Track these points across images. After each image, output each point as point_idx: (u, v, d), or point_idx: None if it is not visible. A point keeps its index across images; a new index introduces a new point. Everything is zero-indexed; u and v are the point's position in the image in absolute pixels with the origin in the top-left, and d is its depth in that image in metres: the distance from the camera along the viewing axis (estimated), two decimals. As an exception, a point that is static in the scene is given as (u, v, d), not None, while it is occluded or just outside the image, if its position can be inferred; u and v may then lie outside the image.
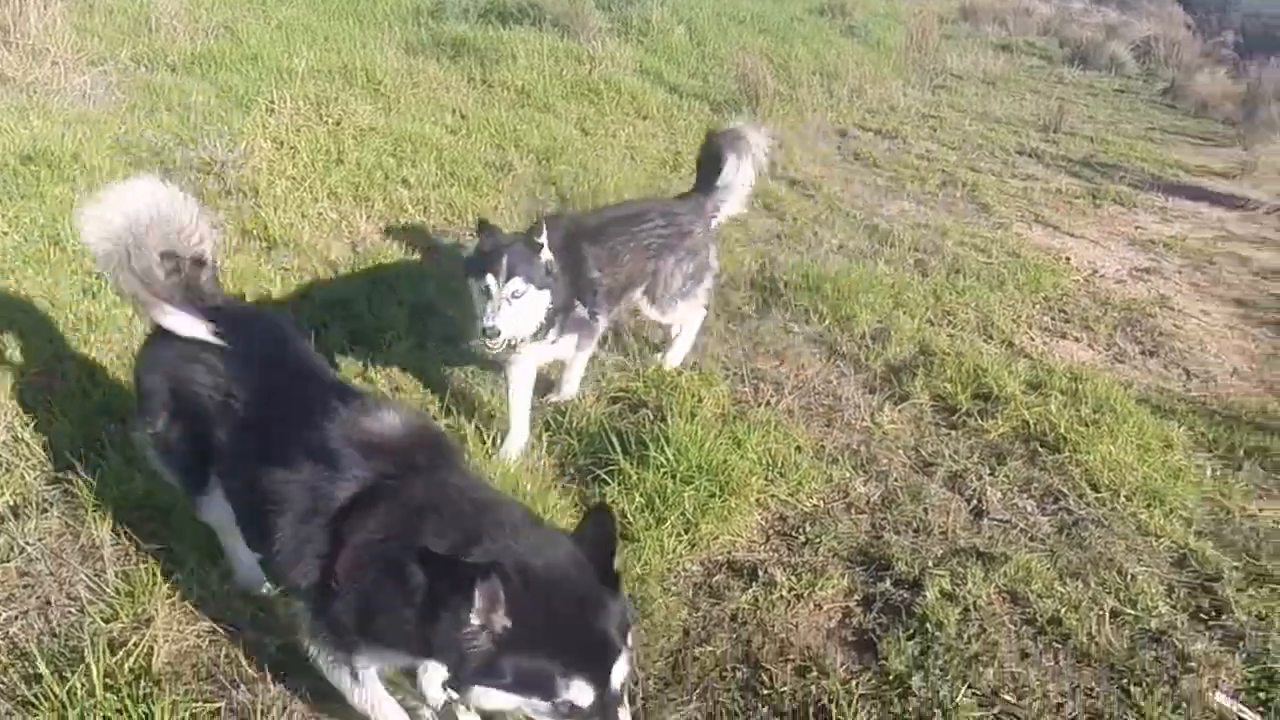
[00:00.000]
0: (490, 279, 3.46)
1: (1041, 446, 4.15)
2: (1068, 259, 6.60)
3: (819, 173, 7.95)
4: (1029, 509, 3.82)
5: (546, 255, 3.57)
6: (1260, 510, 4.01)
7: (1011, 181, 8.54)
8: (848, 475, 3.84)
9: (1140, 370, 5.18)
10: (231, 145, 6.04)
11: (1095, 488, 3.94)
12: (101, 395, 3.72)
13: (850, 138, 9.43)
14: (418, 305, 4.70)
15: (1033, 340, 5.24)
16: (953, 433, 4.21)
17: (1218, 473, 4.25)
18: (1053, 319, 5.59)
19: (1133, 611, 3.28)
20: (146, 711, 2.49)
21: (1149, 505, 3.89)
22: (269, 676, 2.69)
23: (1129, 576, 3.44)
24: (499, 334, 3.46)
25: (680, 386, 4.22)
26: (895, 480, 3.85)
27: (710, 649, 3.01)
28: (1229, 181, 9.85)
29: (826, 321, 4.99)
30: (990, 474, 3.95)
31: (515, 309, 3.50)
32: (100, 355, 3.98)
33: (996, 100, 12.39)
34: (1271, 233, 8.30)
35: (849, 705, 2.78)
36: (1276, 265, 7.35)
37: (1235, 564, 3.57)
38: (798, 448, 3.89)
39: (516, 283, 3.48)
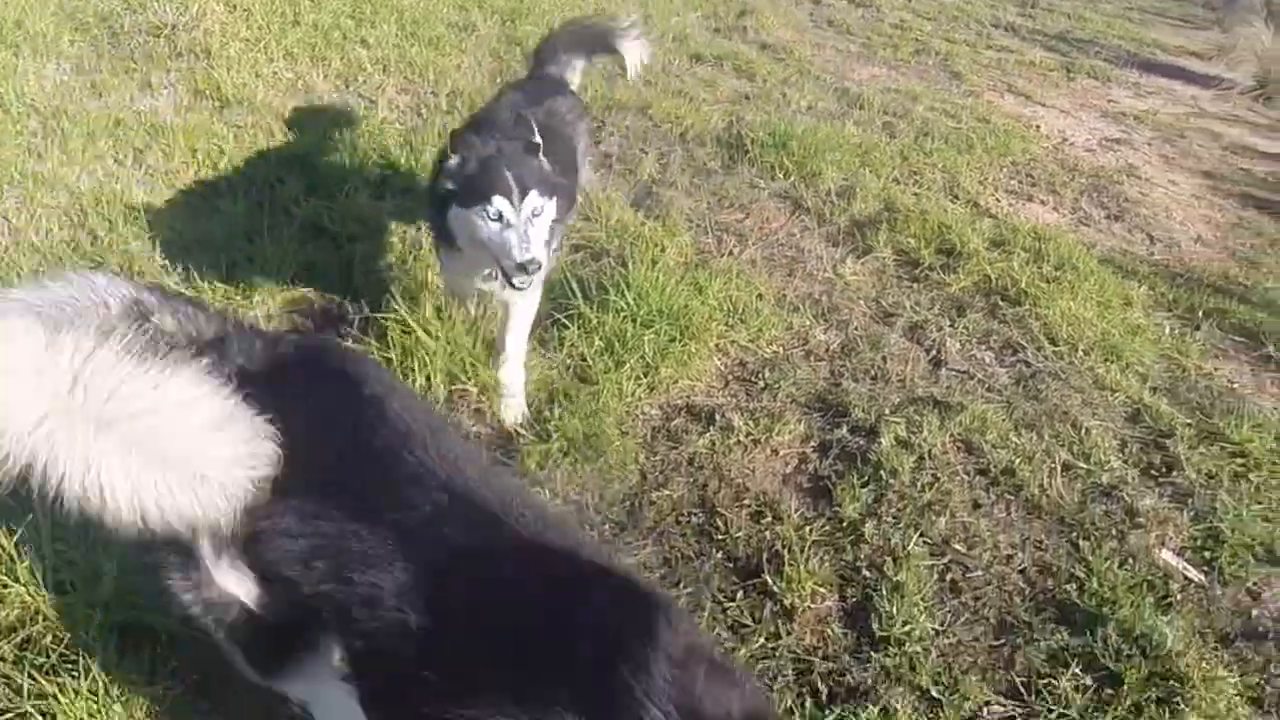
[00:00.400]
0: (502, 202, 2.84)
1: (1002, 300, 4.14)
2: (1038, 127, 6.51)
3: (791, 38, 7.74)
4: (987, 360, 3.84)
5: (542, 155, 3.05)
6: (1215, 370, 4.06)
7: (986, 52, 8.35)
8: (808, 323, 3.82)
9: (1104, 233, 5.16)
10: (182, 9, 5.80)
11: (1054, 341, 3.95)
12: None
13: (824, 5, 9.16)
14: (378, 159, 4.57)
15: (998, 202, 5.19)
16: (914, 285, 4.19)
17: (1176, 332, 4.28)
18: (1019, 182, 5.53)
19: (1085, 465, 3.32)
20: None
21: (1106, 360, 3.91)
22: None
23: (1083, 430, 3.48)
24: (539, 264, 2.85)
25: (644, 236, 4.15)
26: (855, 329, 3.84)
27: (666, 493, 3.01)
28: (1205, 62, 9.69)
29: (792, 178, 4.91)
30: (950, 325, 3.94)
31: (539, 228, 2.90)
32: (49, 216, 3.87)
33: (975, -29, 12.04)
34: (1244, 112, 8.22)
35: (801, 551, 2.80)
36: (1246, 142, 7.30)
37: (1188, 421, 3.61)
38: (759, 295, 3.86)
39: (534, 198, 2.88)
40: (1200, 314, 4.44)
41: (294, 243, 3.83)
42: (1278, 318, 4.53)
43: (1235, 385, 3.98)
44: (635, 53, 4.04)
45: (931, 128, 5.98)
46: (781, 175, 4.94)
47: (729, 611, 2.62)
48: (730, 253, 4.17)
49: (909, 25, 8.84)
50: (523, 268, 2.80)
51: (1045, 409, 3.57)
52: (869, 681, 2.47)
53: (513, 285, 2.90)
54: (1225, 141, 7.18)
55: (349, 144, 4.68)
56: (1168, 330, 4.27)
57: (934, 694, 2.44)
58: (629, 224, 4.27)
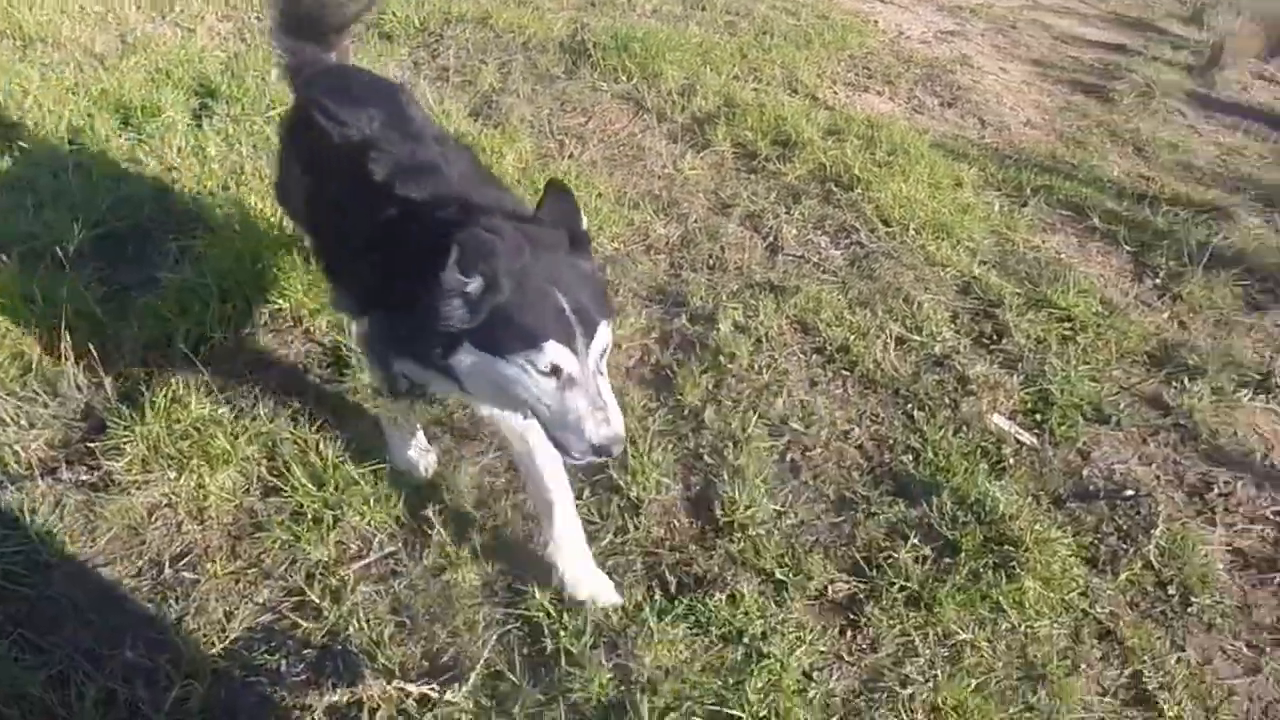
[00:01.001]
0: (560, 351, 1.84)
1: (836, 186, 4.25)
2: (876, 22, 6.64)
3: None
4: (823, 244, 3.95)
5: None
6: (1043, 242, 4.27)
7: (831, -49, 8.43)
8: (649, 218, 3.86)
9: (937, 120, 5.33)
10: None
11: (886, 223, 4.09)
12: None
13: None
14: (199, 89, 4.36)
15: (836, 94, 5.29)
16: (752, 177, 4.27)
17: (1005, 209, 4.47)
18: (856, 75, 5.65)
19: (918, 338, 3.45)
20: None
21: (937, 238, 4.06)
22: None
23: (916, 304, 3.62)
24: (624, 442, 1.97)
25: (481, 144, 4.10)
26: (694, 222, 3.89)
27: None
28: (1040, -45, 9.99)
29: (634, 79, 4.90)
30: (786, 213, 4.04)
31: (606, 375, 1.95)
32: None
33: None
34: (1075, 3, 8.52)
35: (645, 441, 2.81)
36: (1076, 32, 7.59)
37: (1017, 291, 3.79)
38: (599, 194, 3.87)
39: (603, 332, 1.91)
40: (1028, 191, 4.64)
41: (106, 178, 3.63)
42: (1102, 192, 4.80)
43: (1061, 256, 4.21)
44: None
45: (772, 25, 6.03)
46: (624, 78, 4.92)
47: (578, 510, 2.63)
48: (571, 155, 4.16)
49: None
50: (601, 450, 1.88)
51: (879, 287, 3.71)
52: (715, 569, 2.49)
53: (571, 458, 1.97)
54: (1056, 31, 7.45)
55: (165, 74, 4.43)
56: (997, 208, 4.46)
57: (779, 576, 2.47)
58: (467, 133, 4.20)
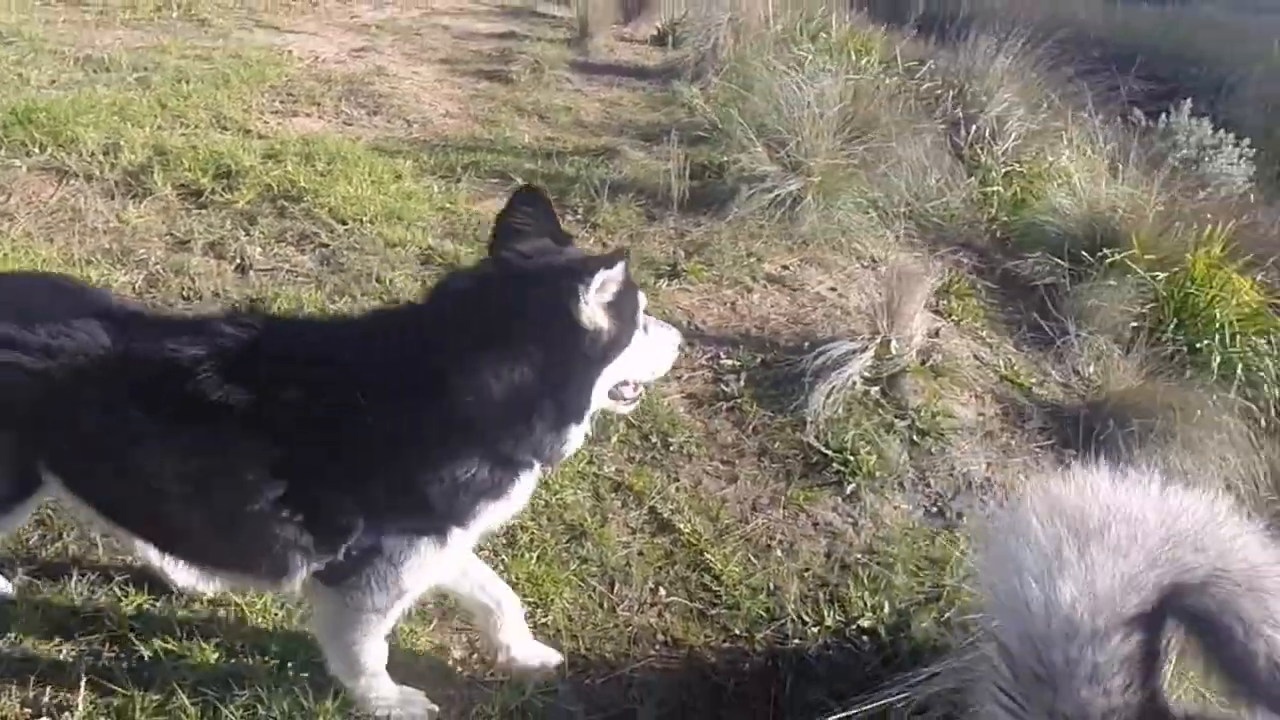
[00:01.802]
0: (643, 299, 2.03)
1: (287, 201, 4.60)
2: (290, 52, 7.01)
3: (14, 20, 7.23)
4: (289, 253, 4.29)
5: None
6: (481, 208, 4.95)
7: (228, -3, 8.61)
8: (105, 270, 3.93)
9: (367, 128, 5.86)
10: None
11: (342, 221, 4.52)
12: None
13: (44, -22, 8.60)
14: None
15: (266, 123, 5.60)
16: (203, 211, 4.47)
17: (443, 188, 5.11)
18: (282, 103, 5.99)
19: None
20: None
21: (391, 224, 4.57)
22: None
23: (388, 281, 4.11)
24: None
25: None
26: (155, 264, 4.03)
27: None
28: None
29: (49, 150, 4.81)
30: (246, 235, 4.31)
31: None
32: None
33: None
34: (465, 3, 9.56)
35: None
36: (473, 29, 8.57)
37: (469, 250, 4.41)
38: (44, 261, 3.87)
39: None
40: (459, 170, 5.33)
41: None
42: (519, 157, 5.64)
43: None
44: None
45: (187, 73, 6.15)
46: (37, 149, 4.81)
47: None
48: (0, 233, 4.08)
49: (144, -16, 8.70)
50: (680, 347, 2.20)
51: (351, 276, 4.14)
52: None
53: (633, 404, 2.18)
54: (455, 31, 8.36)
55: None
56: (436, 189, 5.09)
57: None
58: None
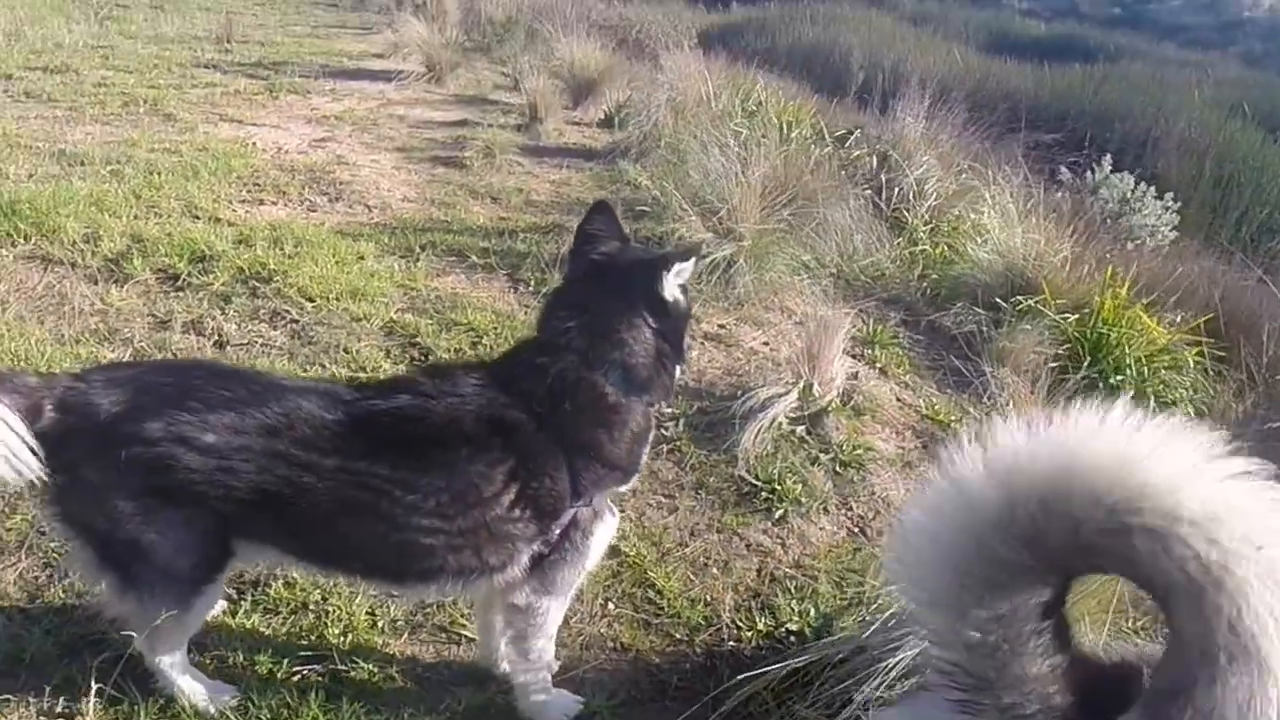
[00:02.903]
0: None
1: (258, 281, 4.95)
2: (254, 144, 7.43)
3: (-13, 118, 7.61)
4: (262, 329, 4.62)
5: None
6: (440, 284, 5.34)
7: (193, 91, 9.04)
8: (93, 349, 4.24)
9: (330, 214, 6.25)
10: None
11: (310, 299, 4.87)
12: None
13: (16, 79, 9.00)
14: None
15: (235, 211, 5.98)
16: (182, 293, 4.80)
17: (403, 267, 5.49)
18: (249, 192, 6.38)
19: (364, 374, 4.28)
20: None
21: (355, 301, 4.94)
22: None
23: (354, 352, 4.45)
24: None
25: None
26: (140, 341, 4.34)
27: None
28: (385, 60, 11.53)
29: (33, 240, 5.15)
30: (222, 313, 4.66)
31: None
32: None
33: (167, 22, 12.66)
34: (420, 94, 10.08)
35: None
36: (427, 117, 9.06)
37: (430, 321, 4.79)
38: (36, 340, 4.17)
39: None
40: (418, 249, 5.73)
41: None
42: (474, 237, 6.04)
43: (457, 290, 5.31)
44: None
45: (158, 166, 6.53)
46: (22, 240, 5.14)
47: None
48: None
49: (111, 82, 9.13)
50: None
51: (320, 348, 4.48)
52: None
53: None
54: (411, 120, 8.85)
55: None
56: (397, 268, 5.47)
57: None
58: None
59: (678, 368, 2.43)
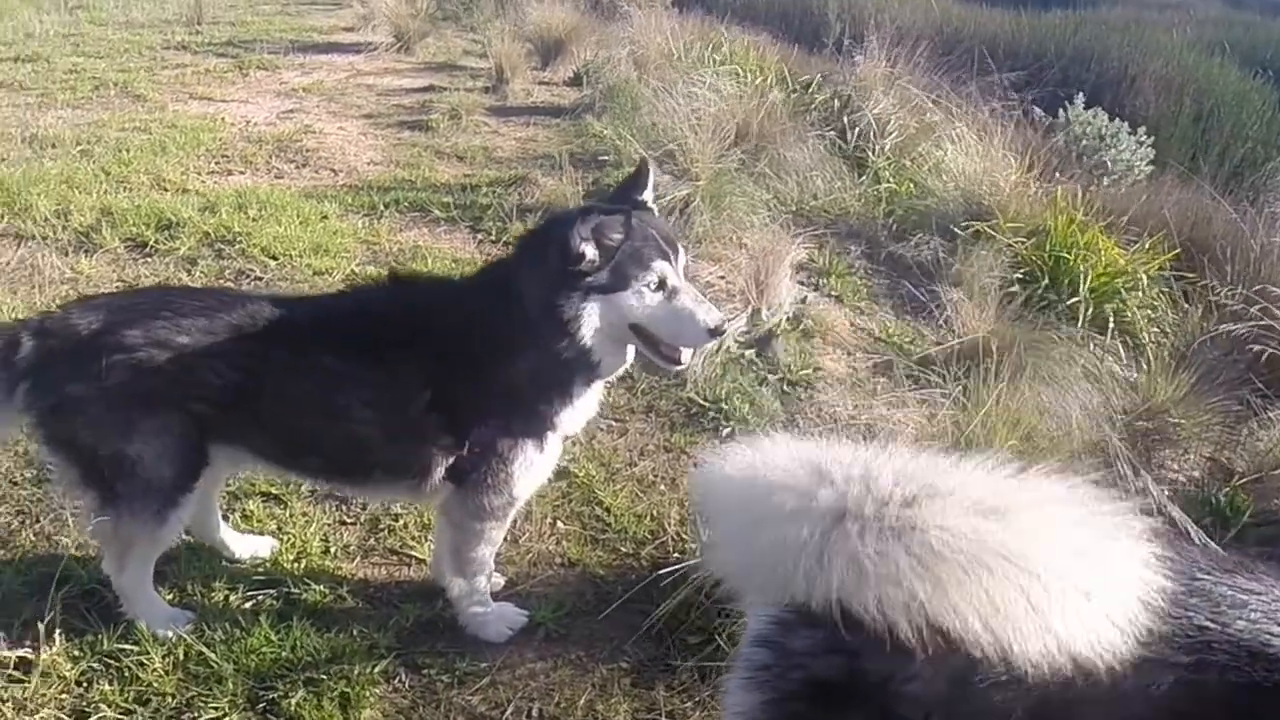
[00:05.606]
0: (665, 266, 2.35)
1: (223, 244, 5.08)
2: (223, 119, 7.52)
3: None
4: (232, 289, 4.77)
5: None
6: (403, 238, 5.46)
7: (163, 73, 9.10)
8: (63, 316, 4.37)
9: (298, 180, 6.36)
10: None
11: (273, 257, 5.00)
12: None
13: (-16, 71, 9.08)
14: None
15: (203, 182, 6.09)
16: (150, 259, 4.93)
17: (366, 224, 5.61)
18: (217, 163, 6.49)
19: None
20: None
21: (318, 256, 5.06)
22: None
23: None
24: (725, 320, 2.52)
25: None
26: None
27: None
28: (354, 34, 11.54)
29: (5, 219, 5.28)
30: (189, 275, 4.77)
31: None
32: None
33: (137, 8, 12.64)
34: (391, 64, 10.14)
35: None
36: (392, 86, 9.12)
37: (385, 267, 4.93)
38: (11, 309, 4.30)
39: (683, 252, 2.47)
40: (381, 207, 5.85)
41: None
42: (437, 193, 6.14)
43: (419, 243, 5.44)
44: None
45: (127, 144, 6.64)
46: (-5, 219, 5.28)
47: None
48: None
49: (82, 68, 9.19)
50: (715, 331, 2.39)
51: (285, 307, 4.62)
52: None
53: (678, 364, 2.49)
54: (379, 89, 8.92)
55: None
56: (360, 225, 5.59)
57: None
58: None
59: (582, 335, 2.36)
